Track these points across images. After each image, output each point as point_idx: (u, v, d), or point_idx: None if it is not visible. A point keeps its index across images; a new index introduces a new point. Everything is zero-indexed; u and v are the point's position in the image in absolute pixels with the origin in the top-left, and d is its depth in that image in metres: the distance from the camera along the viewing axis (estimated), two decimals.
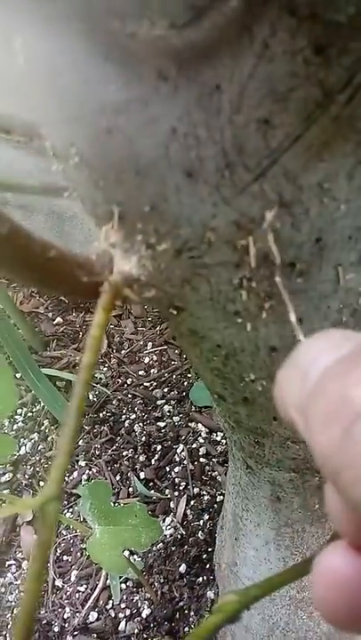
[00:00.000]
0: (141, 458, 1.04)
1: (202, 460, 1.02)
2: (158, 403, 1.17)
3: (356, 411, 0.15)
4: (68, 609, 0.88)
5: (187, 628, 0.81)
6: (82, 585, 0.90)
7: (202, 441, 1.06)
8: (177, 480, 1.00)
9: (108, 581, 0.87)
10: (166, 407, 1.15)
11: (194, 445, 1.05)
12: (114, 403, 1.19)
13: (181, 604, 0.83)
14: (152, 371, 1.26)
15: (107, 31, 0.20)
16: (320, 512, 0.50)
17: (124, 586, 0.87)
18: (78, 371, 0.22)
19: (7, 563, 0.96)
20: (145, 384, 1.23)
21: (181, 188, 0.25)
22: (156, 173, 0.25)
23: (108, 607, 0.87)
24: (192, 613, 0.82)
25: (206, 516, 0.93)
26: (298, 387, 0.19)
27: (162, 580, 0.86)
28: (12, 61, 0.26)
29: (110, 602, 0.87)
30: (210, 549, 0.88)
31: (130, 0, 0.19)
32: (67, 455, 0.20)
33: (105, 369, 1.27)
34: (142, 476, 1.02)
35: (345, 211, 0.27)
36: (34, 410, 1.22)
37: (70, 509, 0.99)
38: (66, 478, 1.05)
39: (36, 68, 0.25)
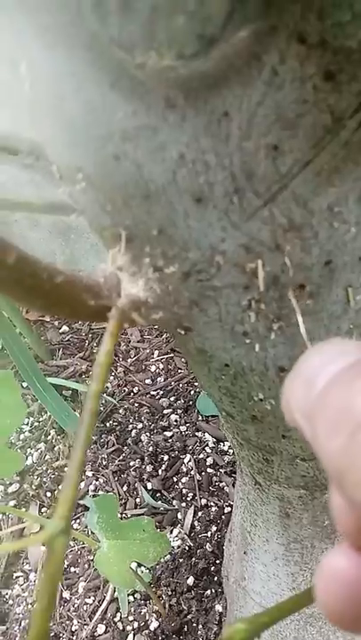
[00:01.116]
0: (148, 468, 1.04)
1: (209, 470, 1.02)
2: (165, 412, 1.17)
3: (359, 420, 0.16)
4: (75, 621, 0.87)
5: None
6: (89, 597, 0.90)
7: (209, 451, 1.05)
8: (184, 491, 0.99)
9: (116, 594, 0.87)
10: (173, 416, 1.15)
11: (201, 455, 1.05)
12: (120, 412, 1.19)
13: (189, 617, 0.83)
14: (159, 379, 1.26)
15: (113, 61, 0.20)
16: (330, 528, 0.50)
17: (132, 598, 0.87)
18: (85, 400, 0.22)
19: (15, 575, 0.95)
20: (152, 393, 1.23)
21: (190, 212, 0.25)
22: (165, 198, 0.25)
23: (116, 620, 0.86)
24: (200, 627, 0.81)
25: (214, 528, 0.92)
26: (304, 393, 0.19)
27: (170, 593, 0.85)
28: (18, 85, 0.26)
29: (118, 614, 0.86)
30: (218, 561, 0.87)
31: (137, 31, 0.18)
32: (74, 488, 0.19)
33: (111, 377, 1.27)
34: (149, 486, 1.02)
35: (355, 233, 0.27)
36: (40, 419, 1.21)
37: (77, 520, 0.99)
38: None
39: (41, 93, 0.24)
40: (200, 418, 1.13)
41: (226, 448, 1.06)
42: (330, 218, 0.25)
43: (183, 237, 0.26)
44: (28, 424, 1.21)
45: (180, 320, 0.32)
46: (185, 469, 1.03)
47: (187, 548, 0.91)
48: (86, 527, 0.94)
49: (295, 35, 0.20)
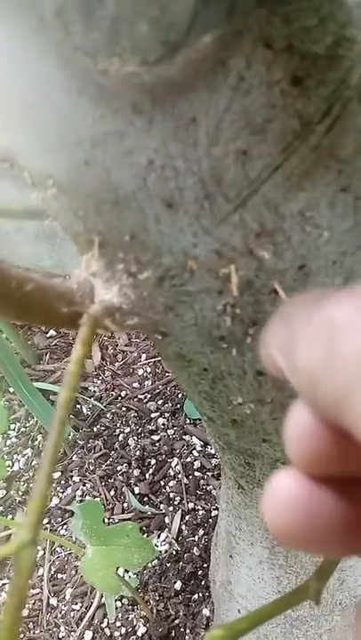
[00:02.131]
0: (136, 472, 1.04)
1: (196, 473, 1.02)
2: (152, 415, 1.16)
3: (336, 326, 0.17)
4: (62, 628, 0.87)
5: None
6: (77, 603, 0.89)
7: (196, 454, 1.05)
8: (172, 495, 0.99)
9: (104, 599, 0.86)
10: (160, 420, 1.15)
11: (188, 459, 1.04)
12: (108, 416, 1.18)
13: (177, 621, 0.82)
14: (146, 383, 1.26)
15: (78, 67, 0.20)
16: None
17: (119, 604, 0.86)
18: (56, 408, 0.21)
19: (1, 582, 0.94)
20: (139, 396, 1.23)
21: (161, 218, 0.25)
22: (135, 204, 0.25)
23: (104, 626, 0.86)
24: (188, 631, 0.81)
25: (201, 532, 0.92)
26: (282, 330, 0.20)
27: (157, 598, 0.85)
28: None
29: (105, 620, 0.86)
30: (205, 565, 0.87)
31: (99, 39, 0.18)
32: (43, 498, 0.19)
33: (99, 382, 1.26)
34: (137, 490, 1.01)
35: (328, 237, 0.27)
36: (27, 425, 1.21)
37: (65, 526, 0.98)
38: (60, 494, 1.04)
39: (11, 100, 0.24)
40: (187, 421, 1.13)
41: (213, 451, 1.06)
42: (302, 222, 0.25)
43: (155, 243, 0.26)
44: (14, 429, 1.20)
45: (156, 325, 0.32)
46: (172, 473, 1.03)
47: (174, 552, 0.91)
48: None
49: (261, 39, 0.20)
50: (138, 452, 1.07)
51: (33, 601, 0.91)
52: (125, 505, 1.00)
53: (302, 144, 0.22)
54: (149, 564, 0.88)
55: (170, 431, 1.11)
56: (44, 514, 0.20)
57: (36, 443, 1.16)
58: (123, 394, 1.24)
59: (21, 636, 0.87)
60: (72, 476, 1.06)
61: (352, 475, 0.19)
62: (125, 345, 1.37)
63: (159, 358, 1.31)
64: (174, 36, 0.18)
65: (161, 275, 0.27)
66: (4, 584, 0.94)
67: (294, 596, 0.31)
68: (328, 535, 0.19)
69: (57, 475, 1.07)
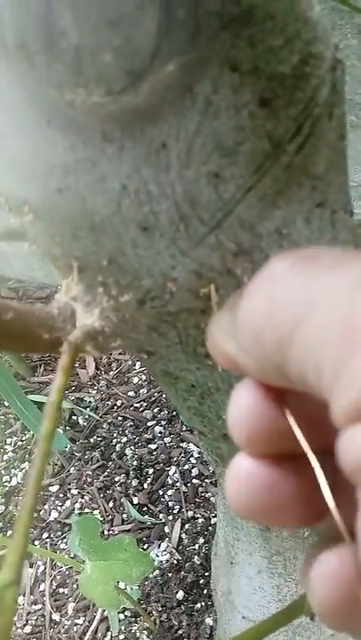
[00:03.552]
0: (134, 482, 1.03)
1: (195, 481, 1.01)
2: (149, 424, 1.16)
3: (275, 277, 0.18)
4: None
5: None
6: (79, 617, 0.88)
7: (194, 461, 1.05)
8: (170, 503, 0.99)
9: (106, 613, 0.86)
10: (157, 428, 1.14)
11: (186, 467, 1.04)
12: (104, 426, 1.18)
13: (180, 632, 0.82)
14: (141, 391, 1.25)
15: (45, 98, 0.20)
16: (310, 540, 0.50)
17: (122, 616, 0.86)
18: (37, 441, 0.21)
19: None
20: (135, 405, 1.22)
21: (138, 242, 0.25)
22: (111, 229, 0.24)
23: (107, 639, 0.85)
24: None
25: (202, 540, 0.92)
26: (227, 316, 0.22)
27: (160, 609, 0.84)
28: None
29: (109, 633, 0.85)
30: (207, 574, 0.87)
31: (63, 69, 0.18)
32: (24, 537, 0.19)
33: (94, 392, 1.26)
34: (135, 501, 1.01)
35: None
36: (24, 438, 1.20)
37: (64, 539, 0.98)
38: (58, 508, 1.04)
39: None
40: (184, 428, 1.13)
41: None
42: (279, 240, 0.25)
43: (134, 266, 0.26)
44: (11, 444, 1.19)
45: (140, 345, 0.32)
46: (171, 481, 1.02)
47: (175, 561, 0.90)
48: None
49: (227, 63, 0.20)
50: (135, 462, 1.07)
51: (35, 617, 0.90)
52: (125, 516, 0.99)
53: (274, 164, 0.22)
54: (151, 575, 0.88)
55: (167, 439, 1.11)
56: (25, 552, 0.20)
57: (34, 456, 1.16)
58: (118, 403, 1.24)
59: None
60: (70, 489, 1.06)
61: (294, 451, 0.20)
62: (119, 353, 1.36)
63: None
64: (139, 65, 0.18)
65: (141, 297, 0.27)
66: None
67: (291, 611, 0.31)
68: (283, 507, 0.20)
69: (55, 488, 1.07)
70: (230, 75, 0.20)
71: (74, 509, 1.02)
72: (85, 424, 1.19)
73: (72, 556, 0.85)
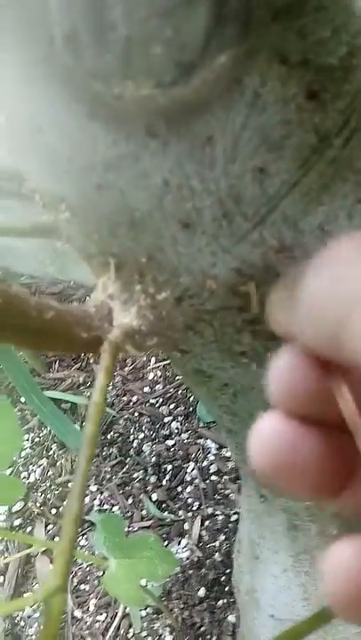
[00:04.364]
0: (152, 479, 1.03)
1: (213, 477, 1.01)
2: (165, 420, 1.16)
3: (341, 259, 0.19)
4: None
5: None
6: (101, 614, 0.89)
7: (212, 458, 1.04)
8: (190, 500, 0.98)
9: (128, 609, 0.86)
10: (174, 424, 1.14)
11: (204, 463, 1.04)
12: (120, 422, 1.18)
13: (203, 629, 0.82)
14: (157, 387, 1.25)
15: (89, 92, 0.19)
16: (338, 538, 0.49)
17: (144, 613, 0.86)
18: (80, 445, 0.21)
19: (24, 595, 0.94)
20: (151, 401, 1.22)
21: (178, 238, 0.24)
22: (152, 225, 0.24)
23: (130, 636, 0.85)
24: (214, 639, 0.80)
25: (222, 537, 0.91)
26: (288, 286, 0.22)
27: (181, 606, 0.84)
28: None
29: (131, 630, 0.85)
30: (228, 571, 0.87)
31: (112, 63, 0.18)
32: (71, 541, 0.19)
33: (109, 388, 1.26)
34: (154, 497, 1.01)
35: None
36: (41, 435, 1.20)
37: (84, 536, 0.98)
38: None
39: (18, 125, 0.24)
40: (201, 424, 1.12)
41: (229, 454, 1.05)
42: (321, 236, 0.25)
43: (173, 263, 0.25)
44: (28, 440, 1.20)
45: (175, 343, 0.32)
46: (189, 478, 1.02)
47: (196, 559, 0.90)
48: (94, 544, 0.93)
49: (276, 55, 0.19)
50: (153, 459, 1.06)
51: None
52: (144, 512, 0.99)
53: (320, 159, 0.22)
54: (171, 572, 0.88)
55: (184, 435, 1.11)
56: (72, 557, 0.20)
57: (51, 452, 1.16)
58: (134, 399, 1.24)
59: None
60: (89, 486, 1.06)
61: (330, 421, 0.21)
62: None
63: (169, 361, 1.31)
64: (189, 57, 0.18)
65: (179, 295, 0.27)
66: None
67: (322, 616, 0.30)
68: (304, 471, 0.21)
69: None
70: (279, 67, 0.19)
71: (93, 506, 1.03)
72: (102, 420, 1.19)
73: (93, 552, 0.85)
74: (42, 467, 1.13)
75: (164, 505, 1.00)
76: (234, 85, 0.19)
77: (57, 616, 0.19)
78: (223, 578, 0.87)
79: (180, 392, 1.22)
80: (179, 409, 1.18)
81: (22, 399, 1.17)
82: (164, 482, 1.03)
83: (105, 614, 0.89)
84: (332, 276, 0.19)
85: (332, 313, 0.19)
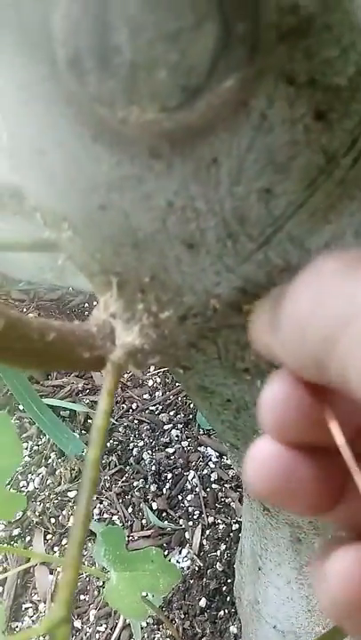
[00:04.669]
0: (152, 488, 1.03)
1: (214, 485, 1.01)
2: (165, 427, 1.15)
3: (324, 275, 0.18)
4: None
5: None
6: (101, 625, 0.88)
7: (213, 466, 1.04)
8: (190, 509, 0.98)
9: (128, 620, 0.85)
10: (174, 432, 1.14)
11: (205, 471, 1.03)
12: (120, 430, 1.17)
13: (204, 639, 0.81)
14: (157, 394, 1.25)
15: (93, 115, 0.19)
16: (334, 546, 0.49)
17: (144, 623, 0.85)
18: (84, 467, 0.21)
19: (24, 606, 0.94)
20: (150, 408, 1.22)
21: (182, 258, 0.24)
22: (155, 246, 0.24)
23: None
24: None
25: (223, 546, 0.91)
26: (269, 308, 0.22)
27: (182, 616, 0.84)
28: None
29: None
30: (229, 581, 0.86)
31: (117, 87, 0.18)
32: (75, 570, 0.18)
33: None
34: (155, 506, 1.00)
35: None
36: (39, 443, 1.20)
37: (85, 546, 0.97)
38: None
39: (20, 145, 0.23)
40: (201, 432, 1.12)
41: (229, 462, 1.05)
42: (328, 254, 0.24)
43: (176, 283, 0.25)
44: (27, 448, 1.19)
45: (177, 360, 0.31)
46: (190, 486, 1.02)
47: (197, 568, 0.89)
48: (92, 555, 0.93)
49: (283, 76, 0.19)
50: (153, 467, 1.06)
51: None
52: (144, 521, 0.99)
53: (328, 179, 0.21)
54: None
55: (184, 443, 1.10)
56: (75, 588, 0.19)
57: (50, 461, 1.15)
58: (134, 406, 1.23)
59: None
60: None
61: (321, 444, 0.21)
62: None
63: (168, 368, 1.30)
64: (195, 81, 0.17)
65: (183, 313, 0.27)
66: (26, 608, 0.93)
67: (336, 632, 0.30)
68: (297, 494, 0.21)
69: (73, 494, 1.06)
70: (286, 88, 0.19)
71: (92, 515, 1.02)
72: None
73: (93, 562, 0.85)
74: (41, 475, 1.13)
75: (164, 514, 0.99)
76: (240, 108, 0.19)
77: None
78: (225, 588, 0.86)
79: (179, 399, 1.22)
80: (179, 416, 1.17)
81: (21, 407, 1.16)
82: (164, 490, 1.02)
83: (105, 625, 0.88)
84: (314, 297, 0.19)
85: (316, 334, 0.18)
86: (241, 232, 0.23)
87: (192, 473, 1.03)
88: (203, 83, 0.17)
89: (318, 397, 0.21)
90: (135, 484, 1.04)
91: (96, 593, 0.91)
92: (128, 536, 0.97)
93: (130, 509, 1.01)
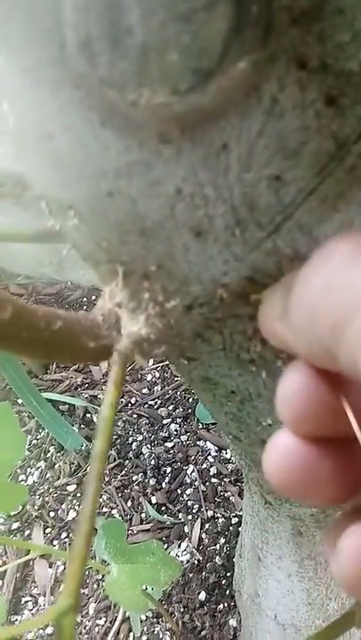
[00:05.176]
0: (152, 482, 1.03)
1: (213, 480, 1.01)
2: (164, 422, 1.15)
3: (336, 258, 0.18)
4: None
5: None
6: (101, 618, 0.88)
7: (212, 460, 1.04)
8: (189, 503, 0.98)
9: (128, 613, 0.85)
10: (173, 426, 1.14)
11: (204, 465, 1.03)
12: (119, 424, 1.17)
13: (204, 633, 0.81)
14: (155, 388, 1.25)
15: (102, 99, 0.19)
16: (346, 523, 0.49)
17: (144, 617, 0.86)
18: (90, 461, 0.20)
19: (23, 600, 0.94)
20: (149, 402, 1.22)
21: (190, 247, 0.24)
22: (163, 234, 0.23)
23: None
24: None
25: (222, 540, 0.91)
26: (279, 295, 0.22)
27: (182, 610, 0.84)
28: (1, 120, 0.24)
29: (131, 634, 0.85)
30: (229, 574, 0.86)
31: (128, 70, 0.17)
32: (82, 560, 0.18)
33: None
34: (154, 500, 1.00)
35: None
36: (38, 437, 1.20)
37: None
38: (76, 508, 1.03)
39: (27, 130, 0.23)
40: (200, 426, 1.12)
41: (229, 456, 1.05)
42: None
43: (183, 272, 0.25)
44: (26, 442, 1.19)
45: (182, 351, 0.31)
46: (189, 480, 1.02)
47: (196, 562, 0.90)
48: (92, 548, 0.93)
49: (295, 60, 0.19)
50: (153, 461, 1.06)
51: None
52: (143, 515, 0.99)
53: (338, 166, 0.21)
54: None
55: (183, 437, 1.10)
56: (83, 579, 0.19)
57: (49, 455, 1.15)
58: (133, 400, 1.23)
59: None
60: None
61: (339, 434, 0.21)
62: None
63: (167, 363, 1.30)
64: (207, 64, 0.17)
65: (189, 303, 0.26)
66: (26, 601, 0.93)
67: (341, 624, 0.30)
68: (317, 487, 0.21)
69: (72, 487, 1.06)
70: (298, 72, 0.19)
71: None
72: None
73: (93, 555, 0.85)
74: (40, 469, 1.13)
75: (163, 508, 1.00)
76: (252, 91, 0.19)
77: (69, 636, 0.19)
78: (224, 581, 0.86)
79: (178, 393, 1.21)
80: (178, 410, 1.17)
81: (20, 401, 1.16)
82: (163, 484, 1.02)
83: (104, 618, 0.88)
84: (324, 283, 0.18)
85: (325, 322, 0.18)
86: (250, 220, 0.22)
87: (191, 467, 1.03)
88: (215, 65, 0.17)
89: (334, 386, 0.20)
90: (134, 478, 1.04)
91: (95, 586, 0.91)
92: (127, 530, 0.97)
93: (129, 503, 1.01)
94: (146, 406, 1.20)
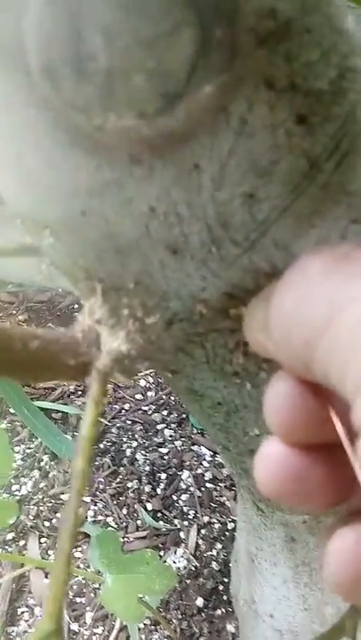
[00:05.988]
0: (147, 488, 1.02)
1: (208, 485, 1.01)
2: (158, 427, 1.15)
3: (309, 274, 0.19)
4: None
5: None
6: (98, 627, 0.88)
7: (207, 465, 1.04)
8: (185, 509, 0.98)
9: (125, 622, 0.85)
10: (167, 431, 1.13)
11: (199, 470, 1.03)
12: (113, 431, 1.17)
13: (202, 639, 0.81)
14: (149, 394, 1.25)
15: (69, 123, 0.19)
16: (337, 526, 0.49)
17: (141, 625, 0.85)
18: (71, 479, 0.20)
19: (19, 610, 0.93)
20: (143, 408, 1.22)
21: (166, 264, 0.24)
22: (138, 251, 0.23)
23: None
24: None
25: (219, 545, 0.91)
26: (261, 306, 0.22)
27: (180, 616, 0.84)
28: None
29: None
30: (226, 580, 0.86)
31: (92, 93, 0.17)
32: (62, 584, 0.18)
33: None
34: (149, 507, 1.00)
35: None
36: (31, 446, 1.19)
37: (79, 548, 0.97)
38: None
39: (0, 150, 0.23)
40: (195, 431, 1.12)
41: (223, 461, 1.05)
42: None
43: (162, 288, 0.25)
44: (19, 452, 1.18)
45: (165, 365, 0.31)
46: (184, 486, 1.02)
47: (193, 568, 0.89)
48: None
49: (263, 80, 0.19)
50: (147, 467, 1.06)
51: None
52: (139, 522, 0.99)
53: (311, 183, 0.21)
54: None
55: (177, 442, 1.10)
56: (64, 600, 0.19)
57: (43, 464, 1.15)
58: (126, 406, 1.23)
59: None
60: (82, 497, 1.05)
61: (327, 440, 0.21)
62: None
63: None
64: (173, 88, 0.17)
65: (169, 318, 0.26)
66: (22, 612, 0.93)
67: (332, 634, 0.30)
68: (308, 493, 0.21)
69: (67, 496, 1.06)
70: (266, 92, 0.19)
71: (87, 517, 1.02)
72: None
73: (88, 565, 0.85)
74: (33, 479, 1.12)
75: (159, 514, 0.99)
76: (220, 113, 0.19)
77: None
78: (221, 587, 0.86)
79: (172, 399, 1.21)
80: (172, 416, 1.17)
81: (12, 410, 1.16)
82: (158, 491, 1.02)
83: (102, 627, 0.88)
84: (297, 298, 0.19)
85: (299, 338, 0.18)
86: (225, 237, 0.22)
87: (186, 472, 1.03)
88: (181, 89, 0.17)
89: (318, 393, 0.21)
90: (129, 484, 1.04)
91: (92, 595, 0.91)
92: (123, 537, 0.96)
93: (124, 510, 1.01)
94: (140, 412, 1.20)
